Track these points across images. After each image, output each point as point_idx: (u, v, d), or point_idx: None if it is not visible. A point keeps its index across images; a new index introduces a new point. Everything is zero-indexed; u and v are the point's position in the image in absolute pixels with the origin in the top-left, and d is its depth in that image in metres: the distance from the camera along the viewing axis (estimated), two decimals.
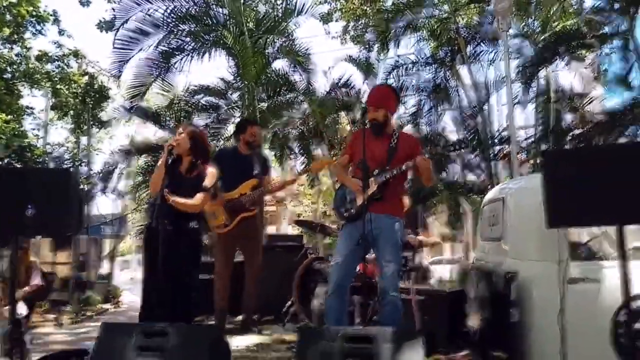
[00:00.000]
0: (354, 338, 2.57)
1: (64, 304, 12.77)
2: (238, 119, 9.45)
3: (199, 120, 9.80)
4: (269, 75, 9.58)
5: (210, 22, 8.49)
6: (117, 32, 8.75)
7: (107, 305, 13.51)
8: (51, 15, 13.54)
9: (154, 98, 10.20)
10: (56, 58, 13.99)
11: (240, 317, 4.70)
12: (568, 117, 12.44)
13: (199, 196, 3.65)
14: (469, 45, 11.57)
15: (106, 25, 12.37)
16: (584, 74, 12.26)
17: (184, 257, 3.54)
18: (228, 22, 8.42)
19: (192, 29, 8.65)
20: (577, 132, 12.01)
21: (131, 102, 9.48)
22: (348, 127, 13.91)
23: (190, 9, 8.55)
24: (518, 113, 14.88)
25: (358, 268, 4.78)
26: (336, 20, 15.56)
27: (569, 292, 3.09)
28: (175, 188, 3.53)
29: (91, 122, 13.43)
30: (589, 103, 12.23)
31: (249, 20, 9.06)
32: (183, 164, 3.73)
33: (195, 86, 9.50)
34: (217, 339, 2.83)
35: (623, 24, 11.21)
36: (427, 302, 3.94)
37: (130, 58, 8.79)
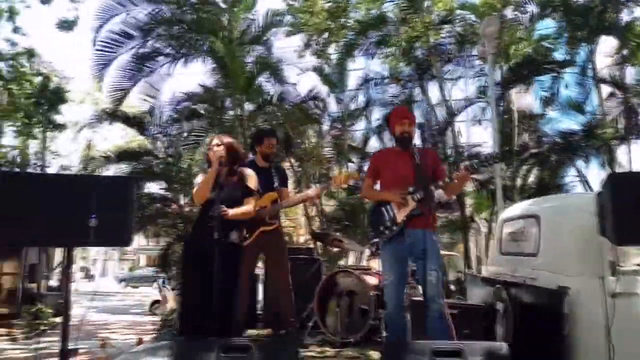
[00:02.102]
0: (442, 352, 2.62)
1: (12, 316, 11.98)
2: (218, 128, 9.30)
3: (184, 127, 9.58)
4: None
5: (200, 29, 8.32)
6: (97, 33, 8.38)
7: (59, 319, 12.77)
8: (6, 11, 12.85)
9: (140, 103, 9.89)
10: (9, 57, 13.26)
11: (261, 331, 4.63)
12: (526, 137, 13.16)
13: (250, 201, 3.66)
14: (438, 64, 11.98)
15: (67, 25, 11.85)
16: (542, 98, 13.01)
17: (233, 269, 3.48)
18: (218, 29, 8.30)
19: (179, 34, 8.44)
20: (534, 151, 12.71)
21: (111, 106, 9.12)
22: (314, 140, 13.97)
23: (176, 15, 8.35)
24: (477, 131, 15.65)
25: (377, 280, 4.88)
26: (297, 34, 15.60)
27: (611, 306, 3.29)
28: (219, 196, 3.48)
29: (48, 125, 12.76)
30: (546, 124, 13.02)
31: (235, 29, 9.00)
32: (221, 173, 3.67)
33: (184, 94, 9.27)
34: (295, 352, 2.78)
35: (578, 52, 12.03)
36: (460, 315, 4.03)
37: (112, 61, 8.46)
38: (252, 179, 3.76)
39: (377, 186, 4.01)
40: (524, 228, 4.16)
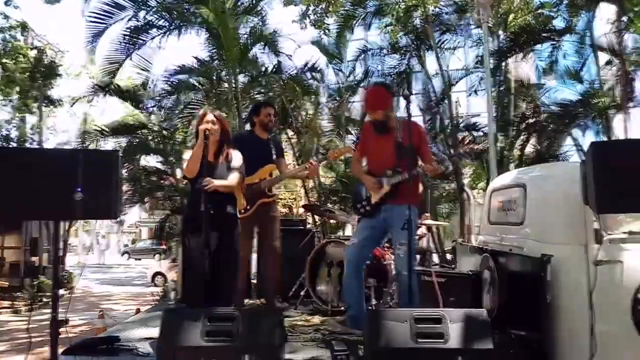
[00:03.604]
0: (423, 319, 2.68)
1: (16, 289, 12.19)
2: (214, 101, 9.27)
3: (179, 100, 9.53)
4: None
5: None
6: (86, 3, 8.29)
7: (61, 291, 12.95)
8: None
9: (134, 77, 9.85)
10: (1, 30, 13.14)
11: (255, 301, 4.72)
12: (523, 106, 13.06)
13: (234, 176, 3.69)
14: (436, 33, 11.83)
15: None
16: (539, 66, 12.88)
17: (227, 241, 3.54)
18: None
19: (171, 4, 8.35)
20: (531, 121, 12.65)
21: (103, 79, 9.07)
22: (311, 111, 13.91)
23: None
24: (476, 101, 15.51)
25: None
26: (295, 4, 15.34)
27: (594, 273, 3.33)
28: (207, 174, 3.49)
29: (44, 100, 12.70)
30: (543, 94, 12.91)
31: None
32: (210, 150, 3.66)
33: (177, 66, 9.19)
34: (280, 321, 2.85)
35: (578, 20, 11.87)
36: (448, 283, 4.10)
37: (103, 32, 8.37)
38: (237, 160, 3.79)
39: (364, 161, 4.12)
40: (512, 197, 4.18)
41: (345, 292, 4.03)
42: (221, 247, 3.47)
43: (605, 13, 12.04)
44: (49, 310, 3.05)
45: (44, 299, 11.75)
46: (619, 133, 11.13)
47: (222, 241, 3.40)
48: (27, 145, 13.50)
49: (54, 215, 2.85)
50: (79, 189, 2.79)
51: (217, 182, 3.48)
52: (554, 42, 11.51)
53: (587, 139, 12.23)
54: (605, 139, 10.79)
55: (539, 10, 11.92)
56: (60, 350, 3.06)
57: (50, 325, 2.92)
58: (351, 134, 14.40)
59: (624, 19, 10.93)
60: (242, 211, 4.27)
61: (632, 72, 10.75)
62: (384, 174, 3.79)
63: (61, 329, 2.95)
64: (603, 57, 11.76)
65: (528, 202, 3.86)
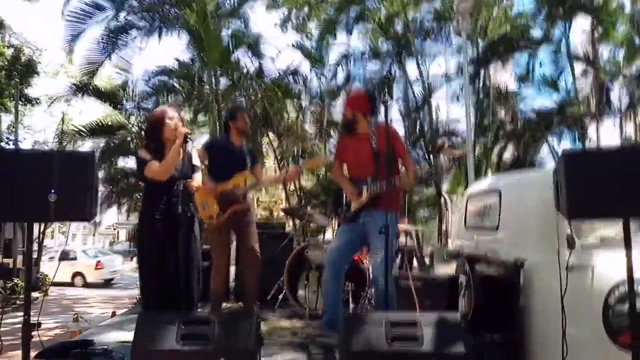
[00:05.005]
0: (398, 323, 2.71)
1: None
2: (195, 102, 9.23)
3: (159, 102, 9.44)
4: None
5: (173, 1, 8.17)
6: (66, 3, 8.19)
7: (35, 294, 12.72)
8: None
9: (113, 77, 9.73)
10: None
11: (233, 304, 4.71)
12: (502, 113, 13.27)
13: (199, 176, 3.71)
14: (416, 40, 11.96)
15: None
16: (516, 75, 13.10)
17: (194, 242, 3.53)
18: (192, 1, 8.12)
19: (152, 5, 8.29)
20: (509, 127, 12.86)
21: (83, 79, 8.95)
22: (294, 115, 13.94)
23: None
24: (456, 107, 15.65)
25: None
26: (277, 8, 15.36)
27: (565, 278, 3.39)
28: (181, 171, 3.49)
29: (20, 99, 12.46)
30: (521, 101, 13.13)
31: (210, 2, 8.83)
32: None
33: (158, 67, 9.12)
34: (256, 325, 2.84)
35: (554, 29, 12.10)
36: (425, 287, 4.14)
37: (82, 33, 8.29)
38: (195, 156, 3.80)
39: (345, 168, 4.13)
40: (487, 203, 4.24)
41: (324, 295, 4.04)
42: (182, 248, 3.43)
43: (581, 24, 12.32)
44: (21, 313, 3.01)
45: (17, 302, 11.53)
46: (594, 140, 11.38)
47: (183, 241, 3.36)
48: (3, 144, 13.26)
49: (28, 216, 2.80)
50: (54, 191, 2.75)
51: (196, 184, 3.49)
52: (531, 51, 11.70)
53: (563, 146, 12.47)
54: (580, 146, 11.01)
55: (517, 20, 12.12)
56: (32, 354, 3.01)
57: (23, 328, 2.86)
58: (332, 137, 14.45)
59: (600, 29, 11.19)
60: (214, 217, 4.25)
61: (606, 82, 11.00)
62: (364, 182, 3.79)
63: (34, 332, 2.90)
64: (579, 67, 12.02)
65: (502, 207, 3.92)
